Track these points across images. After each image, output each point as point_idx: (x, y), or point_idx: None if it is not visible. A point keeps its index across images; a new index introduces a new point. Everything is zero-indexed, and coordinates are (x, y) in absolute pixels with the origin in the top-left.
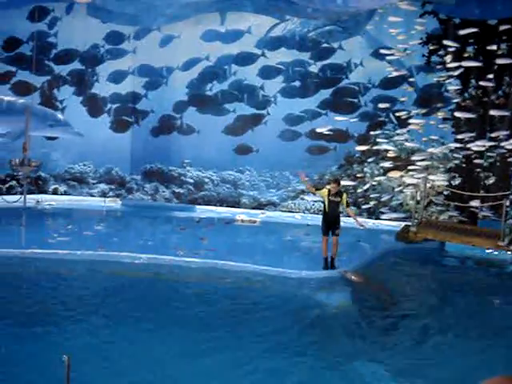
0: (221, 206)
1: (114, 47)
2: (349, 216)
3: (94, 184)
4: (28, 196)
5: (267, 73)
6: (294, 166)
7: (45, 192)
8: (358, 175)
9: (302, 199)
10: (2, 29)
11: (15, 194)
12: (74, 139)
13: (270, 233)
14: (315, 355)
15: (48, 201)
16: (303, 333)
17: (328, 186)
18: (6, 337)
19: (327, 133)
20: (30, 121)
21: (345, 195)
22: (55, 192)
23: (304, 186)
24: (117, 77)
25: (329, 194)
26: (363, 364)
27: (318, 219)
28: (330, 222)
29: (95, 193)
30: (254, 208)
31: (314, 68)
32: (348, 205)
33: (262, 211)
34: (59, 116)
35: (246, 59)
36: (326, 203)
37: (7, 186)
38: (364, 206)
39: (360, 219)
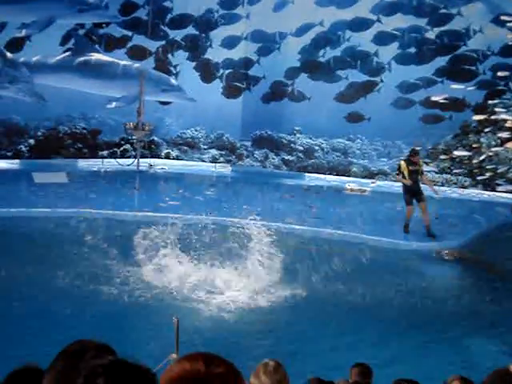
0: (330, 174)
1: (228, 12)
2: (424, 184)
3: (205, 149)
4: (141, 160)
5: (382, 39)
6: (407, 134)
7: (157, 156)
8: (474, 145)
9: None
10: None
11: (129, 157)
12: (187, 104)
13: (379, 203)
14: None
15: (160, 165)
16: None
17: (404, 160)
18: None
19: (443, 101)
20: (145, 85)
21: (422, 163)
22: (167, 156)
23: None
24: (230, 42)
25: (408, 165)
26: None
27: (429, 190)
28: (414, 191)
29: (206, 158)
30: (364, 177)
31: (430, 34)
32: (423, 173)
33: (373, 180)
34: (173, 81)
35: (360, 25)
36: (406, 174)
37: (121, 149)
38: (479, 178)
39: (435, 187)
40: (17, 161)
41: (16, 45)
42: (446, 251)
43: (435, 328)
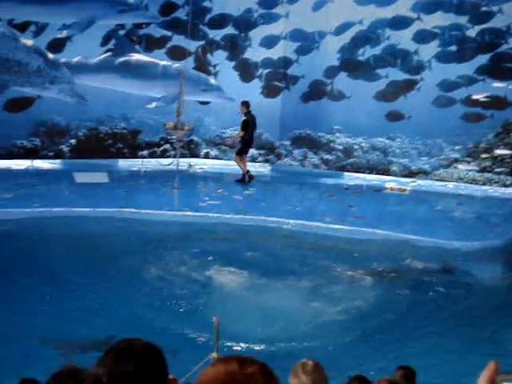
0: (370, 173)
1: (267, 11)
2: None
3: None
4: (180, 159)
5: (422, 37)
6: (448, 133)
7: (197, 156)
8: None
9: (455, 168)
10: None
11: (168, 157)
12: (226, 104)
13: (420, 202)
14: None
15: (199, 164)
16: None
17: None
18: None
19: (484, 99)
20: (184, 85)
21: (243, 119)
22: (206, 156)
23: None
24: (269, 41)
25: None
26: None
27: (471, 189)
28: None
29: None
30: (404, 176)
31: (471, 32)
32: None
33: (413, 179)
34: (212, 81)
35: (400, 23)
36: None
37: (161, 149)
38: None
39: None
40: (58, 161)
41: (57, 45)
42: None
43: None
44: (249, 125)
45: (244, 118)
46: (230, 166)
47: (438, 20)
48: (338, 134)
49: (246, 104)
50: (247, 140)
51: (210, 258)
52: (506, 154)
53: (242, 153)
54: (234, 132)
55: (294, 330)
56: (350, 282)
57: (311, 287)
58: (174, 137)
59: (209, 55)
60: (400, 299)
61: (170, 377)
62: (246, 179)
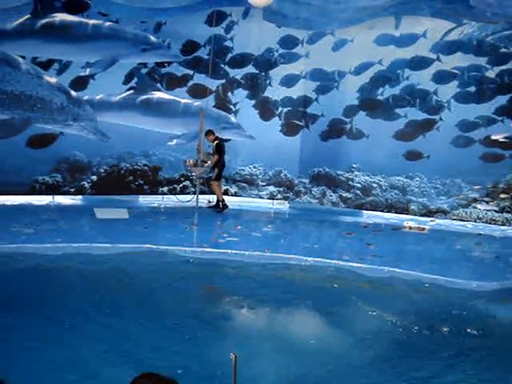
0: (388, 211)
1: (288, 51)
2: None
3: (263, 186)
4: (200, 196)
5: (441, 77)
6: (467, 173)
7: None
8: None
9: (474, 208)
10: (182, 33)
11: (188, 193)
12: (246, 142)
13: (439, 241)
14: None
15: None
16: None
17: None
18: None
19: (503, 140)
20: (205, 123)
21: (214, 143)
22: (226, 193)
23: None
24: (289, 81)
25: None
26: None
27: (490, 229)
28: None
29: (264, 195)
30: (422, 215)
31: (490, 73)
32: (214, 153)
33: (432, 219)
34: (232, 119)
35: (419, 63)
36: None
37: (181, 185)
38: None
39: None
40: (79, 197)
41: (80, 83)
42: None
43: None
44: (223, 149)
45: (217, 141)
46: (250, 202)
47: (458, 61)
48: (356, 173)
49: (211, 132)
50: (222, 165)
51: (229, 294)
52: None
53: (219, 178)
54: (254, 169)
55: (315, 371)
56: (368, 321)
57: (330, 326)
58: (193, 174)
59: (229, 94)
60: (421, 341)
61: None
62: (220, 206)
